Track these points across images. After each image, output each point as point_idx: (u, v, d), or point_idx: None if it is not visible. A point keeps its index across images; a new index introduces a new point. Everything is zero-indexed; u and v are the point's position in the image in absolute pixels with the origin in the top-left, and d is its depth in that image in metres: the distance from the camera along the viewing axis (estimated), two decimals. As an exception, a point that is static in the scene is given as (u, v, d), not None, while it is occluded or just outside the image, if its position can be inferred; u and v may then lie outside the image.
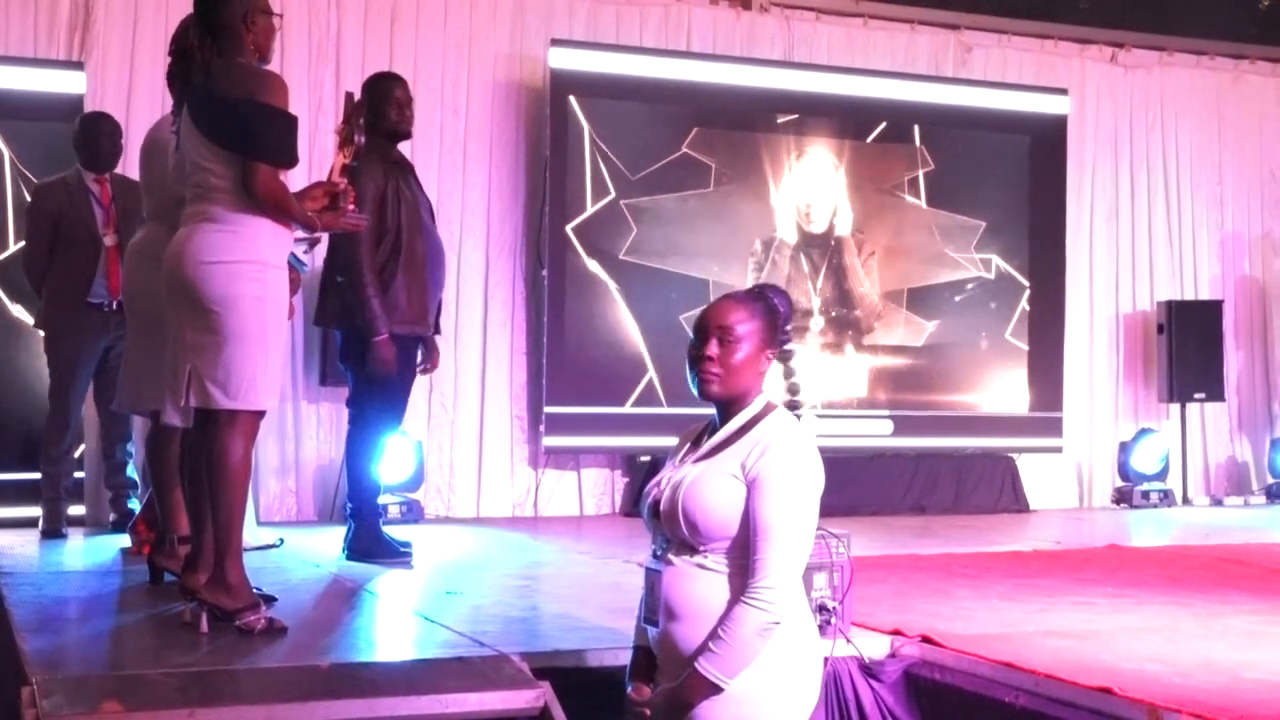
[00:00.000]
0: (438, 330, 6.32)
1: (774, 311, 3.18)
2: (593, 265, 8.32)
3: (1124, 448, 9.55)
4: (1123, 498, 9.45)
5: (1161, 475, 9.46)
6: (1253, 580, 5.88)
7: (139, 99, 7.57)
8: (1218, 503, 9.91)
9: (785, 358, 3.27)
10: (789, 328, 3.24)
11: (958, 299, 9.18)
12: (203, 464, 4.20)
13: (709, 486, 3.02)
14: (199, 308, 4.10)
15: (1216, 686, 3.68)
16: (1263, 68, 10.52)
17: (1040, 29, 10.01)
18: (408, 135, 6.19)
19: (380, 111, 6.01)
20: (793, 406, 3.24)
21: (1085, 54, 10.04)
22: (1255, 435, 10.20)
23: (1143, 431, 9.57)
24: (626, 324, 8.38)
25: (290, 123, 4.22)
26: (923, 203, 9.12)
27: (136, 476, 6.69)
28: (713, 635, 2.95)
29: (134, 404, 5.23)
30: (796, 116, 8.87)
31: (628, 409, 8.32)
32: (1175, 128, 10.12)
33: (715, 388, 3.10)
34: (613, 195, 8.38)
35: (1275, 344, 10.33)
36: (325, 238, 5.75)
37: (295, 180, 4.69)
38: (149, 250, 4.78)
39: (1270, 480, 9.94)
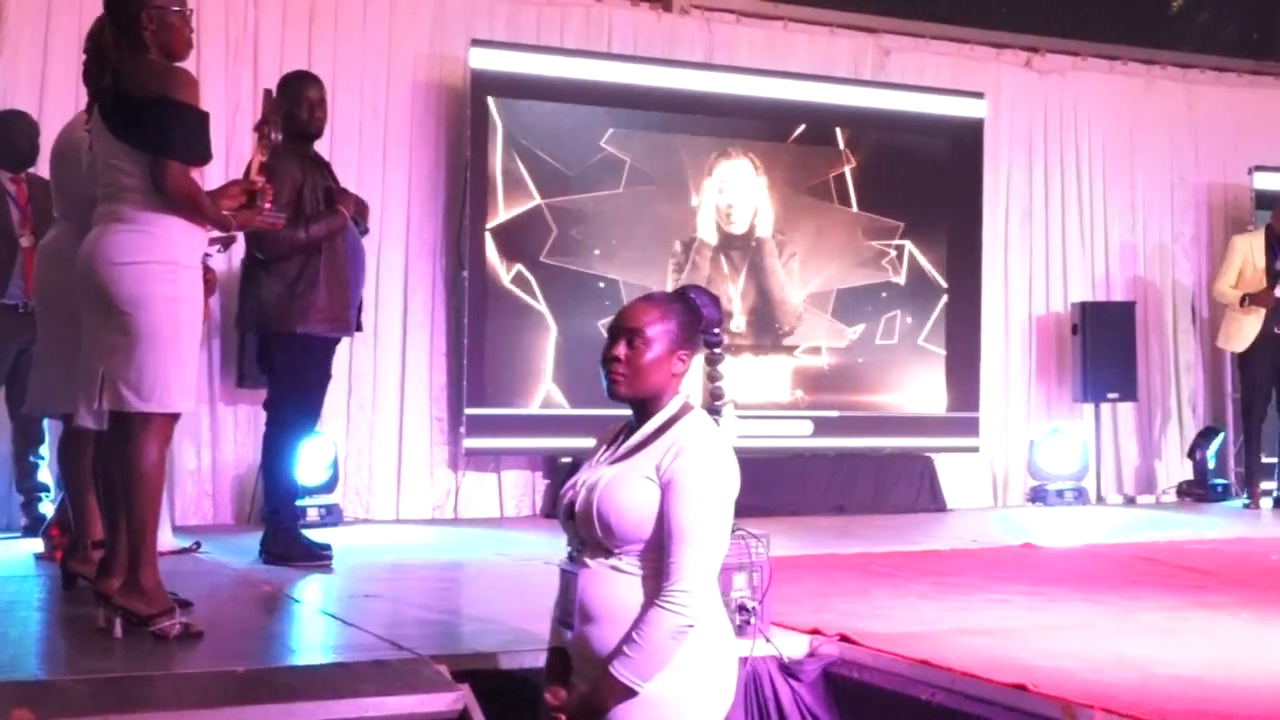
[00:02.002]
0: (359, 327, 6.29)
1: (693, 313, 3.18)
2: (513, 266, 8.29)
3: (1033, 447, 9.68)
4: (1037, 496, 9.57)
5: (1075, 475, 9.58)
6: (1164, 577, 5.96)
7: (52, 97, 7.44)
8: (1130, 501, 10.08)
9: (712, 361, 3.28)
10: (717, 331, 3.25)
11: (877, 300, 9.24)
12: (116, 467, 4.15)
13: (624, 489, 3.02)
14: (111, 309, 4.06)
15: (1129, 682, 3.73)
16: (1173, 73, 10.70)
17: (957, 33, 10.10)
18: (318, 135, 6.18)
19: (291, 112, 5.99)
20: (713, 411, 3.25)
21: (1001, 58, 10.15)
22: (1166, 435, 10.36)
23: (1051, 431, 9.70)
24: (547, 325, 8.37)
25: (201, 119, 4.19)
26: (842, 205, 9.17)
27: (49, 480, 6.60)
28: (627, 639, 2.95)
29: (45, 406, 5.16)
30: (717, 118, 8.90)
31: (548, 410, 8.30)
32: (1089, 132, 10.26)
33: (621, 388, 3.12)
34: (534, 197, 8.36)
35: (1185, 345, 10.50)
36: (241, 238, 5.71)
37: (214, 180, 4.65)
38: (60, 250, 4.72)
39: (1182, 479, 10.10)
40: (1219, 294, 9.53)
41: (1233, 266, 9.36)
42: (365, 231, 6.44)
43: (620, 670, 2.94)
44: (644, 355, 3.10)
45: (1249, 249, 9.35)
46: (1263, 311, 9.17)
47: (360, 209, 6.27)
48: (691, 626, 2.95)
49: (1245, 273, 9.28)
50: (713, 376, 3.30)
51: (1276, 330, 9.19)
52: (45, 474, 6.68)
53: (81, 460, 4.81)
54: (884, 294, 9.27)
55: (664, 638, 2.93)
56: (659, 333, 3.11)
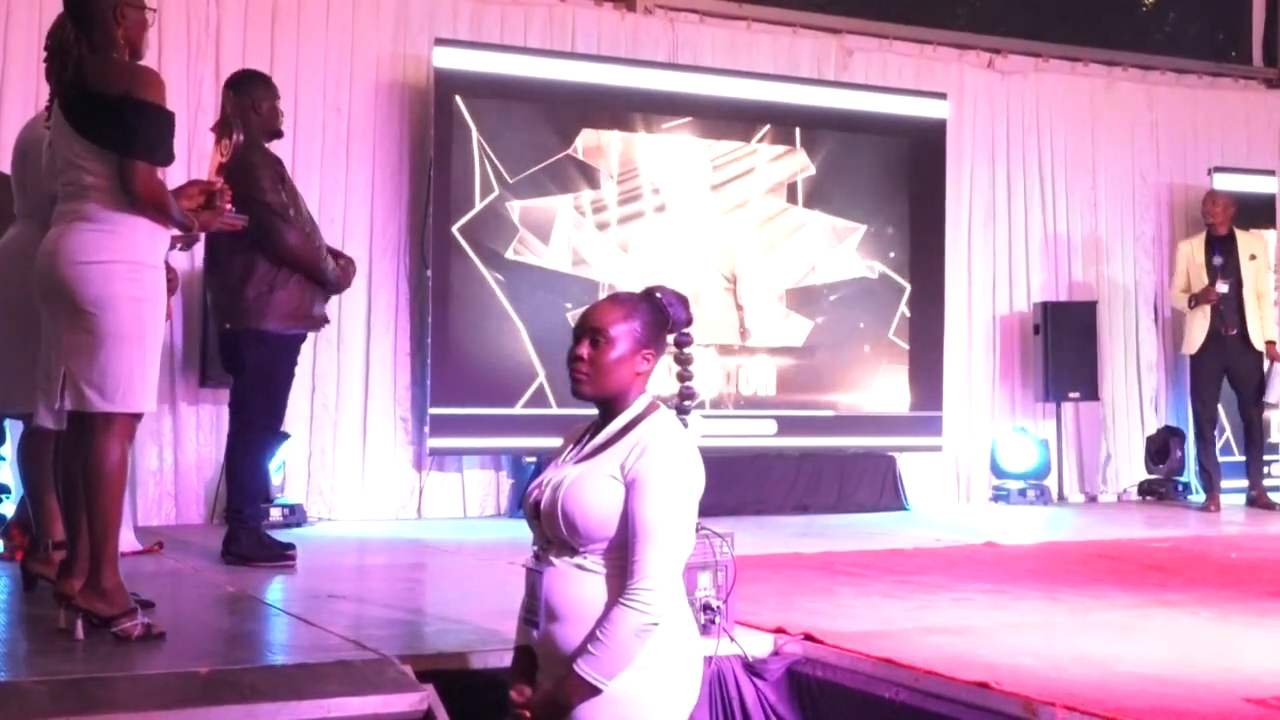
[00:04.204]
0: (326, 320, 6.27)
1: (659, 313, 3.19)
2: (477, 266, 8.27)
3: (995, 446, 9.73)
4: (999, 495, 9.62)
5: (1037, 473, 9.63)
6: (1125, 575, 6.00)
7: (11, 95, 7.38)
8: (1092, 500, 10.14)
9: (682, 360, 3.30)
10: (687, 331, 3.27)
11: (840, 300, 9.26)
12: (78, 467, 4.11)
13: (588, 487, 3.03)
14: (74, 308, 4.04)
15: (1090, 680, 3.75)
16: (1134, 74, 10.77)
17: (920, 34, 10.14)
18: (281, 134, 6.16)
19: (260, 109, 5.96)
20: (682, 410, 3.26)
21: (964, 59, 10.20)
22: (1128, 434, 10.42)
23: (1014, 430, 9.76)
24: (512, 325, 8.35)
25: (168, 119, 4.17)
26: (806, 205, 9.19)
27: (10, 480, 6.54)
28: (591, 637, 2.96)
29: (4, 406, 5.12)
30: (680, 117, 8.90)
31: (515, 410, 8.28)
32: (1050, 132, 10.31)
33: (585, 388, 3.14)
34: (497, 195, 8.34)
35: (1146, 344, 10.57)
36: (203, 237, 5.68)
37: (175, 179, 4.63)
38: (21, 249, 4.68)
39: (1143, 478, 10.17)
40: (1173, 301, 9.71)
41: (1179, 271, 9.52)
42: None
43: (584, 668, 2.94)
44: (607, 355, 3.11)
45: (1190, 251, 9.48)
46: (1210, 310, 9.25)
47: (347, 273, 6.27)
48: (655, 625, 2.96)
49: (1190, 275, 9.40)
50: (682, 377, 3.32)
51: (1223, 331, 9.27)
52: (6, 474, 6.62)
53: (42, 460, 4.77)
54: (846, 293, 9.28)
55: (628, 636, 2.94)
56: (623, 332, 3.12)
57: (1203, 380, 9.40)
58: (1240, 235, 9.48)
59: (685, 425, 3.23)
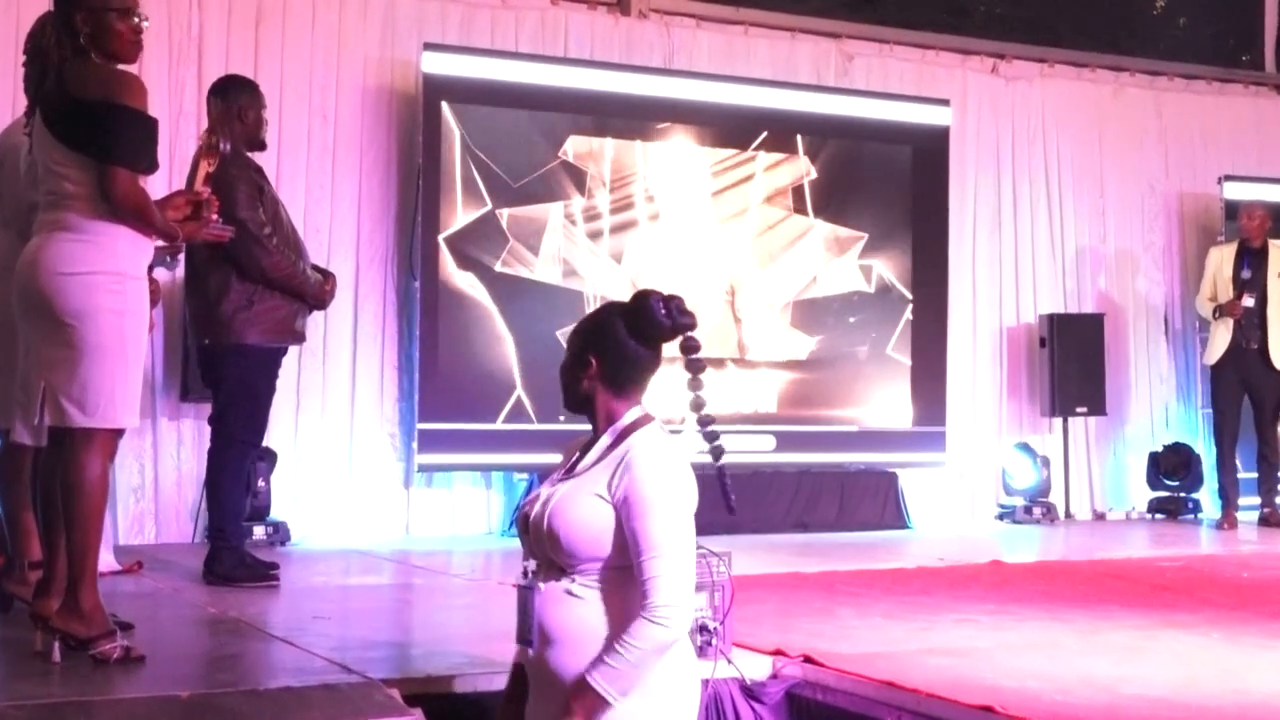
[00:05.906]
0: (304, 337, 6.20)
1: (616, 316, 3.13)
2: (466, 277, 8.16)
3: (1002, 462, 9.62)
4: (1005, 513, 9.50)
5: (1044, 490, 9.51)
6: (1132, 595, 5.97)
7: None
8: (1100, 517, 10.02)
9: (691, 369, 3.15)
10: (693, 336, 3.15)
11: (840, 312, 9.17)
12: (57, 485, 4.06)
13: (575, 505, 2.98)
14: (54, 321, 3.98)
15: (1097, 703, 3.73)
16: (1141, 80, 10.67)
17: (921, 39, 10.05)
18: (264, 145, 6.10)
19: (245, 118, 5.91)
20: (704, 422, 3.15)
21: (967, 65, 10.09)
22: (1137, 449, 10.28)
23: (1019, 446, 9.63)
24: (502, 337, 8.24)
25: (150, 126, 4.13)
26: (805, 213, 9.09)
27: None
28: (608, 649, 2.88)
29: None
30: (676, 124, 8.80)
31: (503, 426, 8.15)
32: (1057, 140, 10.21)
33: (563, 400, 3.15)
34: (487, 205, 8.24)
35: (1156, 357, 10.47)
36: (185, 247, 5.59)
37: (156, 189, 4.56)
38: (1, 259, 4.60)
39: (1152, 495, 10.03)
40: (1198, 307, 9.64)
41: (1207, 279, 9.47)
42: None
43: (598, 680, 2.87)
44: (562, 365, 3.14)
45: (1220, 260, 9.42)
46: (1232, 323, 9.18)
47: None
48: (675, 641, 2.91)
49: (1217, 284, 9.34)
50: (694, 385, 3.16)
51: (1244, 344, 9.19)
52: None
53: (19, 477, 4.72)
54: (847, 305, 9.18)
55: (651, 650, 2.88)
56: (570, 341, 3.14)
57: (1222, 393, 9.37)
58: (1273, 250, 9.40)
59: (719, 446, 3.16)
